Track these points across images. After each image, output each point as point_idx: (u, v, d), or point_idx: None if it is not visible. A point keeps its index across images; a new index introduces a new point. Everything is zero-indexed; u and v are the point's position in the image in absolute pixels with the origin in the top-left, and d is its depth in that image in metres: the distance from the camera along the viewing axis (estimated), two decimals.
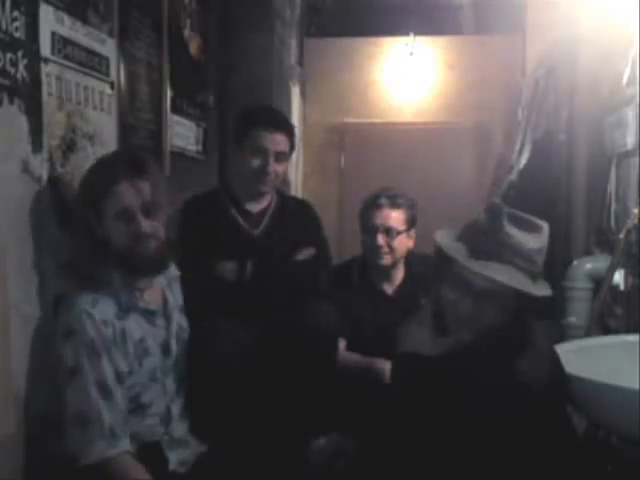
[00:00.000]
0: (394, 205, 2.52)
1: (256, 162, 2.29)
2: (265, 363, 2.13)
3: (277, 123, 2.35)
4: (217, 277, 2.27)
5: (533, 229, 1.54)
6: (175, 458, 1.88)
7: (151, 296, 1.90)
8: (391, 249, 2.51)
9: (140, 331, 1.84)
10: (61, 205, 1.98)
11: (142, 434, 1.83)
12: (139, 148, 2.70)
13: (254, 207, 2.36)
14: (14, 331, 1.79)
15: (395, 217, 2.52)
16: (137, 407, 1.82)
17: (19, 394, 1.83)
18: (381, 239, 2.50)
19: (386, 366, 2.22)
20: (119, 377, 1.75)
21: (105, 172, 1.80)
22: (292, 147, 2.39)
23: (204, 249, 2.24)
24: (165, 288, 1.96)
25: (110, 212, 1.77)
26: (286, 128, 2.36)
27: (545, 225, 1.58)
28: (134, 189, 1.77)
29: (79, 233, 1.82)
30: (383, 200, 2.52)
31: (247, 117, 2.40)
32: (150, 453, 1.81)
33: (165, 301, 1.95)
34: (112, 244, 1.79)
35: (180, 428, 1.94)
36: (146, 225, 1.78)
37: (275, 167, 2.30)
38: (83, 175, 1.87)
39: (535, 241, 1.54)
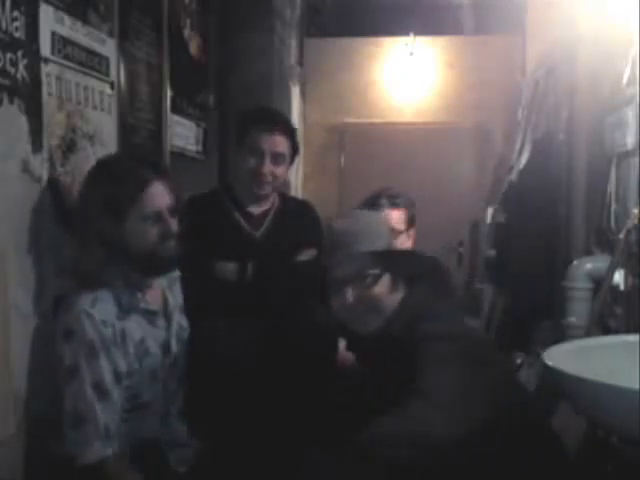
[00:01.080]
0: (394, 205, 2.54)
1: (252, 162, 2.26)
2: (265, 363, 2.13)
3: (277, 124, 2.32)
4: (218, 278, 2.26)
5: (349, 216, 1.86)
6: (175, 457, 1.88)
7: (152, 296, 1.90)
8: None
9: (140, 331, 1.84)
10: (61, 206, 1.98)
11: (142, 434, 1.83)
12: (139, 148, 2.71)
13: (255, 209, 2.35)
14: (14, 331, 1.79)
15: (396, 217, 2.53)
16: (136, 407, 1.82)
17: (19, 394, 1.83)
18: None
19: None
20: (117, 377, 1.76)
21: (132, 175, 1.78)
22: (294, 150, 2.34)
23: (205, 250, 2.23)
24: (165, 288, 1.96)
25: (139, 214, 1.76)
26: (286, 129, 2.33)
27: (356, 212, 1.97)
28: (165, 189, 1.80)
29: (87, 236, 1.81)
30: (384, 200, 2.53)
31: (248, 117, 2.38)
32: (150, 453, 1.81)
33: (165, 301, 1.95)
34: (131, 246, 1.78)
35: (180, 428, 1.94)
36: (173, 224, 1.80)
37: (271, 168, 2.26)
38: (95, 179, 1.84)
39: (349, 225, 1.77)
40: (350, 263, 1.69)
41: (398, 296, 1.72)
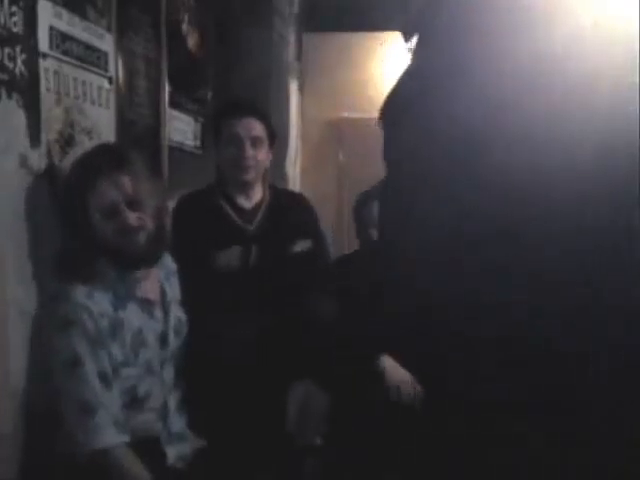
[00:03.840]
0: None
1: (233, 150, 2.30)
2: (264, 358, 2.13)
3: (245, 109, 2.37)
4: (215, 272, 2.26)
5: None
6: (173, 453, 1.88)
7: (148, 287, 1.90)
8: None
9: (138, 321, 1.84)
10: (58, 200, 1.98)
11: (140, 429, 1.83)
12: (133, 142, 2.70)
13: (247, 203, 2.36)
14: (12, 328, 1.79)
15: None
16: (133, 400, 1.81)
17: (17, 392, 1.82)
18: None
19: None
20: (114, 369, 1.76)
21: (85, 169, 1.81)
22: (270, 134, 2.37)
23: (199, 246, 2.24)
24: (162, 280, 1.96)
25: (95, 209, 1.77)
26: (258, 114, 2.36)
27: None
28: (114, 184, 1.77)
29: (67, 228, 1.83)
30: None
31: (219, 112, 2.47)
32: (148, 448, 1.81)
33: (163, 293, 1.95)
34: (100, 240, 1.79)
35: (178, 422, 1.93)
36: (132, 218, 1.78)
37: (252, 152, 2.29)
38: (67, 172, 1.88)
39: None
40: None
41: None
